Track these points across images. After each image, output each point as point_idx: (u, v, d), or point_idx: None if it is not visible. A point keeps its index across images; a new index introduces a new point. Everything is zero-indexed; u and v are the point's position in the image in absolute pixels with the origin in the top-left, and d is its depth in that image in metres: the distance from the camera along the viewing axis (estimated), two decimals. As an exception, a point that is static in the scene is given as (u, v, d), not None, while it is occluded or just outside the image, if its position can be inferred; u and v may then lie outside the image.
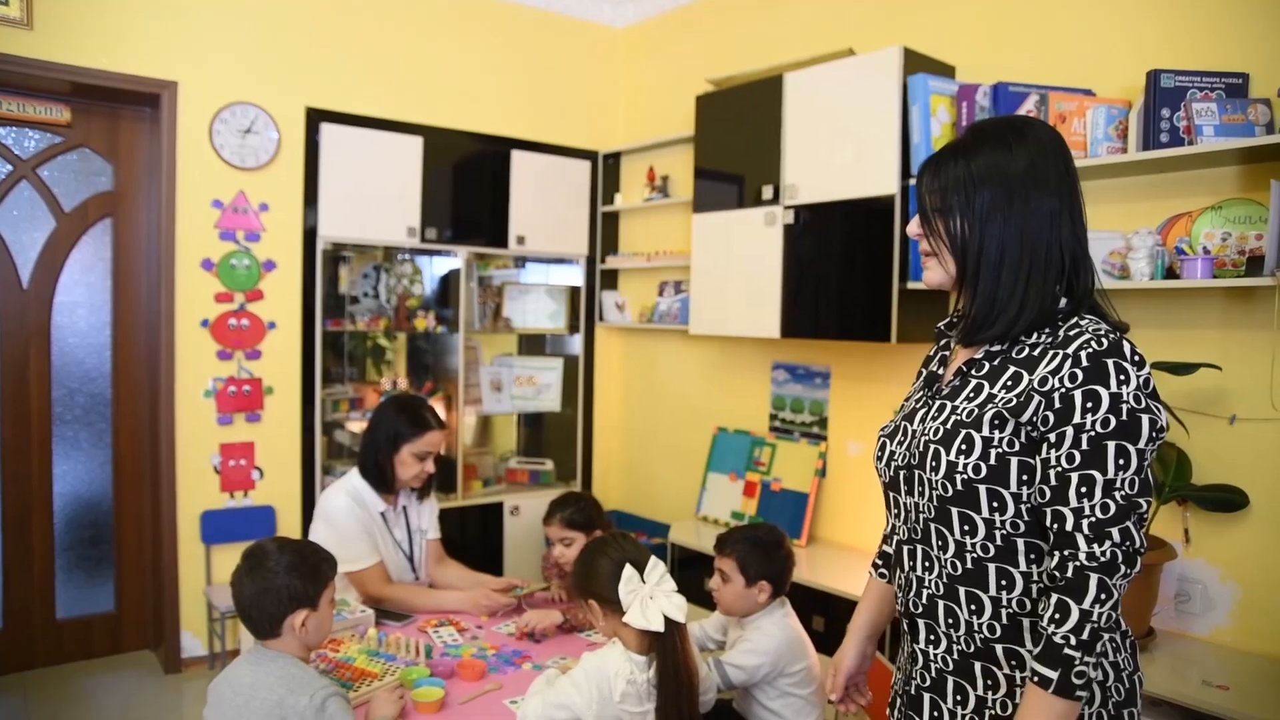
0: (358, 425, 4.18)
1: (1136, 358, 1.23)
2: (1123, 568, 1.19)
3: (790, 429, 3.85)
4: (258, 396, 3.79)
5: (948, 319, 1.52)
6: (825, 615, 3.09)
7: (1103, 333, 1.25)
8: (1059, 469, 1.22)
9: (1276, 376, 2.34)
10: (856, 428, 3.58)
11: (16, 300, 3.56)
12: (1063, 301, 1.32)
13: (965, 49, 3.16)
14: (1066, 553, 1.20)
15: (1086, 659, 1.18)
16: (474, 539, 4.22)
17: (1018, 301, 1.30)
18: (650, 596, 1.84)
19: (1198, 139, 2.36)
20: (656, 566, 1.90)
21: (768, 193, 3.46)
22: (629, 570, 1.85)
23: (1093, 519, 1.19)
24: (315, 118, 3.85)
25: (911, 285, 3.03)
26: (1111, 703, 1.28)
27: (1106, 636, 1.21)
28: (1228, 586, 2.48)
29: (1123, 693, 1.30)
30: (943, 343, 1.52)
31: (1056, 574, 1.21)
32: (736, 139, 3.64)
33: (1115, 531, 1.19)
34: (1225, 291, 2.48)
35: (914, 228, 1.42)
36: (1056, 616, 1.19)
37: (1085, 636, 1.18)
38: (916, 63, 3.03)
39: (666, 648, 1.84)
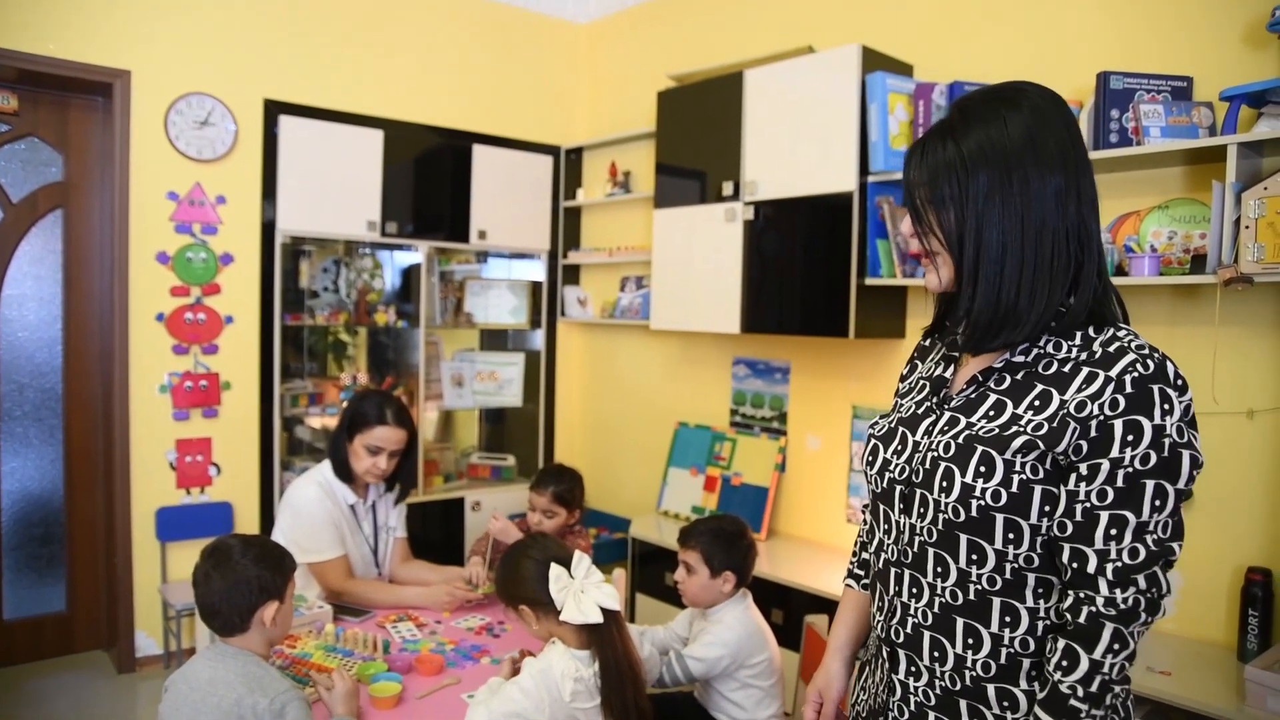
0: (317, 420, 4.14)
1: (1180, 381, 1.09)
2: (1143, 615, 1.08)
3: (750, 424, 3.88)
4: (215, 391, 3.74)
5: (934, 320, 1.36)
6: (784, 608, 3.12)
7: (1146, 351, 1.10)
8: (1086, 505, 1.09)
9: (1218, 371, 2.41)
10: (816, 422, 3.62)
11: (-37, 293, 3.48)
12: (1070, 299, 1.16)
13: (923, 48, 3.21)
14: (1083, 594, 1.09)
15: (1094, 712, 1.08)
16: (435, 535, 4.20)
17: (1025, 302, 1.14)
18: (581, 590, 1.83)
19: (1145, 140, 2.42)
20: (582, 561, 1.89)
21: (728, 189, 3.48)
22: (556, 568, 1.84)
23: (1118, 564, 1.07)
24: (274, 110, 3.80)
25: (869, 281, 3.07)
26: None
27: (1119, 689, 1.09)
28: (1171, 577, 2.54)
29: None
30: (949, 340, 1.34)
31: (1068, 616, 1.10)
32: (697, 135, 3.66)
33: (1141, 578, 1.08)
34: (1171, 288, 2.55)
35: (906, 227, 1.24)
36: (1064, 664, 1.09)
37: (1094, 689, 1.07)
38: (875, 61, 3.07)
39: (606, 639, 1.84)
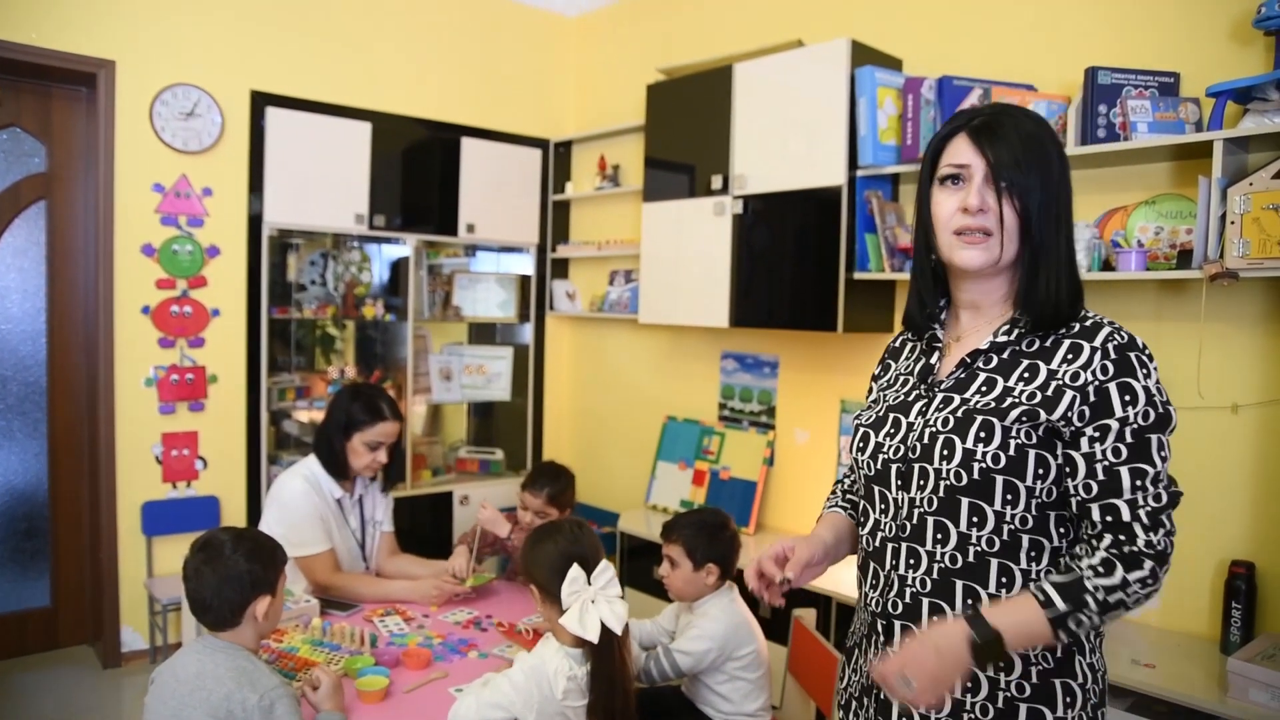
0: (305, 414, 4.13)
1: (1147, 351, 1.22)
2: (1168, 562, 1.18)
3: (739, 418, 3.89)
4: (201, 385, 3.71)
5: (919, 317, 1.40)
6: (772, 601, 3.12)
7: (1116, 326, 1.23)
8: (1105, 463, 1.19)
9: (1203, 366, 2.42)
10: (804, 416, 3.63)
11: (-55, 285, 3.44)
12: None
13: (912, 42, 3.21)
14: (1122, 537, 1.17)
15: (1095, 618, 1.16)
16: (424, 529, 4.19)
17: (1070, 285, 1.25)
18: (592, 600, 1.77)
19: (1132, 135, 2.43)
20: (605, 570, 1.83)
21: (717, 182, 3.48)
22: (575, 570, 1.79)
23: (1148, 508, 1.18)
24: (260, 101, 3.77)
25: (858, 276, 3.07)
26: (1090, 705, 1.26)
27: (1124, 614, 1.18)
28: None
29: (1097, 694, 1.27)
30: (928, 335, 1.39)
31: (1112, 550, 1.17)
32: (687, 129, 3.65)
33: (1166, 519, 1.18)
34: (1158, 283, 2.56)
35: (977, 200, 1.24)
36: (1100, 569, 1.16)
37: (1111, 599, 1.15)
38: (864, 55, 3.07)
39: (602, 653, 1.80)
